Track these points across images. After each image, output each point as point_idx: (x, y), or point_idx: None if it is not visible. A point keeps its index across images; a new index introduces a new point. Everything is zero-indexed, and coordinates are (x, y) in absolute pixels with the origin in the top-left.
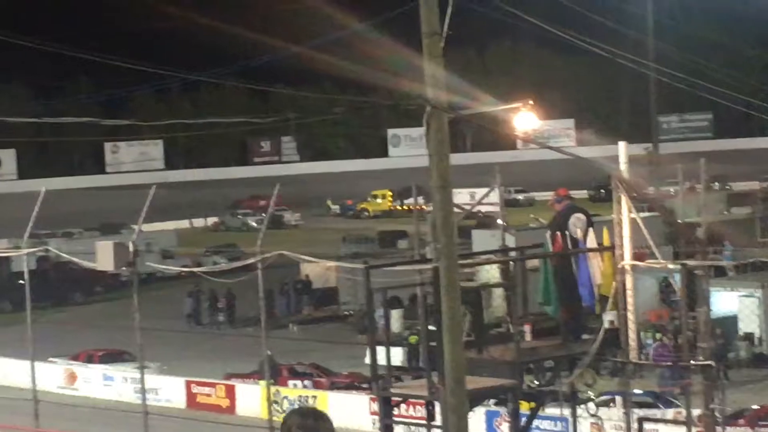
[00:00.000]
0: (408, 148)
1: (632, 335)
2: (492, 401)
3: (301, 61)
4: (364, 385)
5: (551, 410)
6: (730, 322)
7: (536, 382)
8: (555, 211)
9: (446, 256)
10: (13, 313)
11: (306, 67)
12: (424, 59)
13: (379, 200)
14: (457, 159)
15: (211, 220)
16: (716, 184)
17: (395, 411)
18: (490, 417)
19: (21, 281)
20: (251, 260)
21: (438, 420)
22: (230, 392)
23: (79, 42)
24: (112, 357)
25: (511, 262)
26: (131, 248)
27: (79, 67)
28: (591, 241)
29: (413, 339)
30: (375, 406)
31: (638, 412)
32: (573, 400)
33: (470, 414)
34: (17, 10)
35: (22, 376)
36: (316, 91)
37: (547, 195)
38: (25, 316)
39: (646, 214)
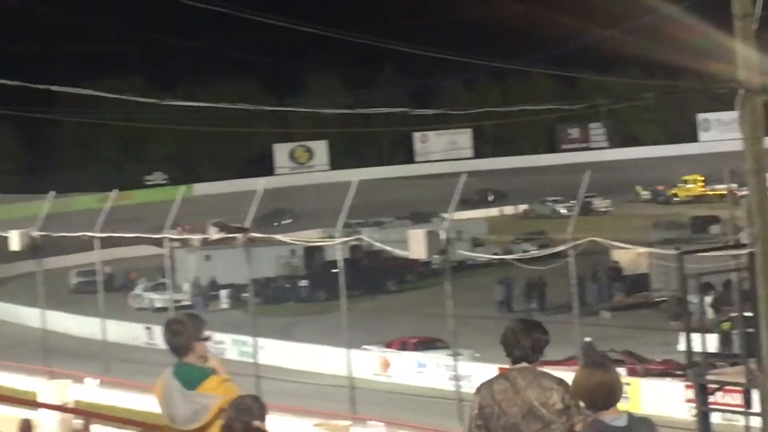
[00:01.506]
0: (719, 133)
1: None
2: None
3: (608, 46)
4: (679, 372)
5: None
6: None
7: None
8: None
9: (762, 241)
10: (327, 302)
11: (613, 52)
12: (735, 41)
13: (689, 185)
14: None
15: (521, 208)
16: None
17: (711, 398)
18: None
19: (334, 270)
20: (562, 247)
21: (756, 407)
22: None
23: (387, 33)
24: (425, 344)
25: None
26: (443, 236)
27: (388, 57)
28: None
29: (726, 326)
30: (690, 394)
31: None
32: None
33: None
34: (327, 3)
35: (338, 363)
36: (624, 77)
37: None
38: (339, 304)
39: None
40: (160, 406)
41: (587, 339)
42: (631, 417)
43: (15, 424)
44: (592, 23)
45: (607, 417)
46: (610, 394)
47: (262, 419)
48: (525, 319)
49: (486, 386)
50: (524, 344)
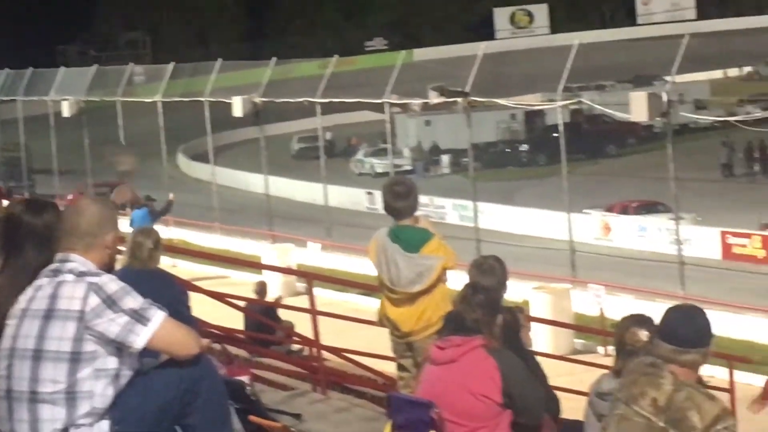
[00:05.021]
0: None
1: None
2: None
3: None
4: None
5: None
6: None
7: None
8: None
9: None
10: (547, 166)
11: None
12: None
13: None
14: None
15: (745, 70)
16: None
17: None
18: None
19: (555, 134)
20: None
21: None
22: (766, 243)
23: None
24: (647, 208)
25: None
26: (665, 99)
27: None
28: None
29: None
30: None
31: None
32: None
33: None
34: None
35: (559, 227)
36: None
37: None
38: (559, 168)
39: None
40: (377, 269)
41: None
42: None
43: (248, 287)
44: None
45: None
46: None
47: (504, 282)
48: None
49: None
50: None
